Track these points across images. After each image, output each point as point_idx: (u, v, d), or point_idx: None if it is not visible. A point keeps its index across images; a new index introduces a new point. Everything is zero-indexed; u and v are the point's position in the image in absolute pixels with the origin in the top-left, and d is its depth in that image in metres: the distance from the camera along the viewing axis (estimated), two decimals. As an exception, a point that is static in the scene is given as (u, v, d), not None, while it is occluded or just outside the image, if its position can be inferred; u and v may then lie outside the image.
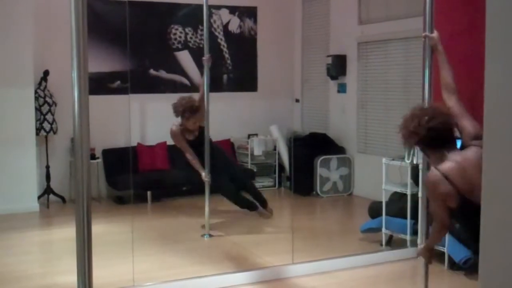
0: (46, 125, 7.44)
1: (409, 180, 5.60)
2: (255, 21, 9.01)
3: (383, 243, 5.79)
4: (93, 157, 7.46)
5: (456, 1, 5.62)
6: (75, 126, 2.05)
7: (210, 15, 8.28)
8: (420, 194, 5.03)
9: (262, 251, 5.67)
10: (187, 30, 8.53)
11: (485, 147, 1.43)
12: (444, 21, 5.58)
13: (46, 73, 7.49)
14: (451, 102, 3.41)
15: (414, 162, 5.47)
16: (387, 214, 5.75)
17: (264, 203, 6.49)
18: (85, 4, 2.02)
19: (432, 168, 3.24)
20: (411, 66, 7.05)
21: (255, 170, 8.51)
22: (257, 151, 8.55)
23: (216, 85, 8.11)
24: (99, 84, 7.77)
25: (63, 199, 7.68)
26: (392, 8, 7.49)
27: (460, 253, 4.96)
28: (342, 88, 8.35)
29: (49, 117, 7.44)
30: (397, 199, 5.89)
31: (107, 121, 7.78)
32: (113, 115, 7.78)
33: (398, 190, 5.79)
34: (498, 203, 1.38)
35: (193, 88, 8.54)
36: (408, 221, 5.53)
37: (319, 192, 8.11)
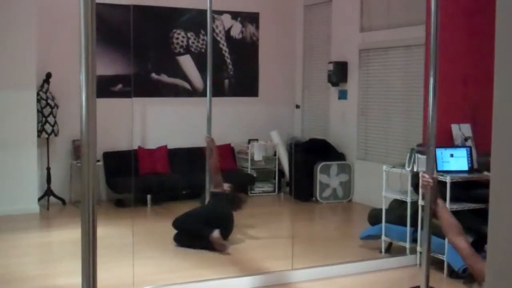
0: (48, 127, 7.45)
1: (409, 188, 5.61)
2: (257, 27, 9.04)
3: (383, 250, 5.80)
4: (93, 160, 7.46)
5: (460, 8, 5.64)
6: (82, 129, 2.06)
7: (212, 20, 8.31)
8: (420, 202, 5.05)
9: (261, 256, 5.68)
10: (189, 34, 8.55)
11: (494, 149, 1.43)
12: (448, 28, 5.61)
13: (48, 75, 7.50)
14: (462, 243, 3.26)
15: (415, 169, 5.48)
16: (387, 221, 5.76)
17: None
18: (94, 7, 2.03)
19: None
20: (412, 74, 7.07)
21: (255, 175, 8.53)
22: (257, 156, 8.56)
23: (217, 90, 8.12)
24: (101, 87, 7.77)
25: (63, 201, 7.69)
26: (393, 16, 7.52)
27: (460, 261, 4.96)
28: (342, 95, 8.37)
29: (50, 119, 7.46)
30: (397, 206, 5.90)
31: (108, 124, 7.79)
32: (114, 118, 7.79)
33: (398, 197, 5.80)
34: (506, 207, 1.38)
35: (194, 92, 8.58)
36: (408, 228, 5.55)
37: (318, 198, 8.12)
